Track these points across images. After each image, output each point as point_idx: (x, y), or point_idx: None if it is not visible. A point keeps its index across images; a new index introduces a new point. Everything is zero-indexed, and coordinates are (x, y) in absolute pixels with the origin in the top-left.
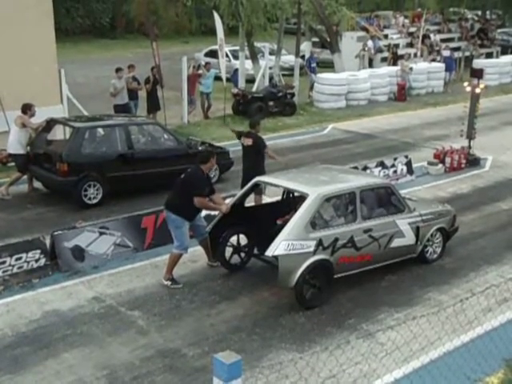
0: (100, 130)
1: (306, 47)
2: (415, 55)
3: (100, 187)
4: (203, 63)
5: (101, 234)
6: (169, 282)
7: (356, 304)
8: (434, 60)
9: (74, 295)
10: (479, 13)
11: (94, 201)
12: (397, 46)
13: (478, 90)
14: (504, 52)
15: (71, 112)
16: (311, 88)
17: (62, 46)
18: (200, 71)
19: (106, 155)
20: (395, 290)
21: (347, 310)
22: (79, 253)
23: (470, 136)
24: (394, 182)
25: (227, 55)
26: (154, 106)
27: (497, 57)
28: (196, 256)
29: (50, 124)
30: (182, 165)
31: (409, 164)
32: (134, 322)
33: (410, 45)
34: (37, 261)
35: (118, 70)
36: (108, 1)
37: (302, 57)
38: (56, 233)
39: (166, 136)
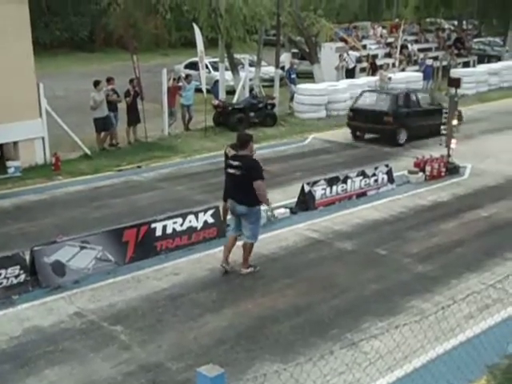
0: (406, 95)
1: (285, 58)
2: (393, 65)
3: (405, 133)
4: (183, 75)
5: (81, 248)
6: (250, 269)
7: (339, 314)
8: (403, 70)
9: (55, 311)
10: (456, 23)
11: (403, 141)
12: (375, 56)
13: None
14: (480, 61)
15: (50, 126)
16: (291, 99)
17: (40, 60)
18: (180, 83)
19: (409, 112)
20: (378, 298)
21: (331, 320)
22: (60, 268)
23: (449, 144)
24: (375, 191)
25: (207, 67)
26: (134, 118)
27: (473, 66)
28: (178, 269)
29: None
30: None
31: (389, 173)
32: (116, 337)
33: (389, 55)
34: (16, 277)
35: (97, 82)
36: (87, 14)
37: (282, 68)
38: (36, 248)
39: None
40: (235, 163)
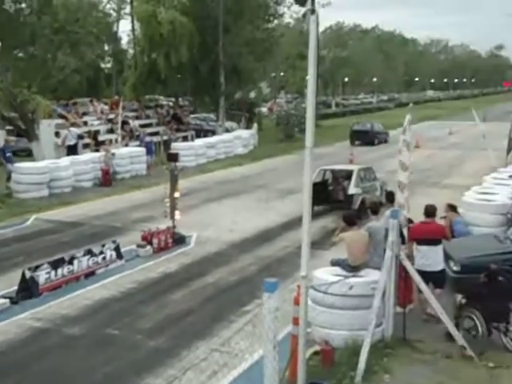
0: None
1: None
2: (116, 141)
3: (377, 140)
4: None
5: None
6: None
7: None
8: (127, 145)
9: None
10: (174, 99)
11: (376, 143)
12: (97, 132)
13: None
14: (198, 135)
15: None
16: (8, 178)
17: None
18: None
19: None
20: (111, 381)
21: None
22: None
23: (173, 216)
24: (104, 269)
25: None
26: None
27: (192, 140)
28: None
29: None
30: None
31: (117, 249)
32: None
33: (111, 131)
34: None
35: None
36: None
37: None
38: None
39: None
40: None
